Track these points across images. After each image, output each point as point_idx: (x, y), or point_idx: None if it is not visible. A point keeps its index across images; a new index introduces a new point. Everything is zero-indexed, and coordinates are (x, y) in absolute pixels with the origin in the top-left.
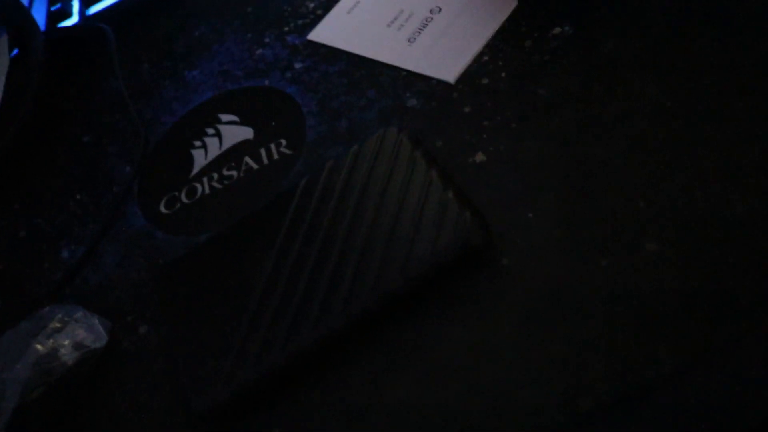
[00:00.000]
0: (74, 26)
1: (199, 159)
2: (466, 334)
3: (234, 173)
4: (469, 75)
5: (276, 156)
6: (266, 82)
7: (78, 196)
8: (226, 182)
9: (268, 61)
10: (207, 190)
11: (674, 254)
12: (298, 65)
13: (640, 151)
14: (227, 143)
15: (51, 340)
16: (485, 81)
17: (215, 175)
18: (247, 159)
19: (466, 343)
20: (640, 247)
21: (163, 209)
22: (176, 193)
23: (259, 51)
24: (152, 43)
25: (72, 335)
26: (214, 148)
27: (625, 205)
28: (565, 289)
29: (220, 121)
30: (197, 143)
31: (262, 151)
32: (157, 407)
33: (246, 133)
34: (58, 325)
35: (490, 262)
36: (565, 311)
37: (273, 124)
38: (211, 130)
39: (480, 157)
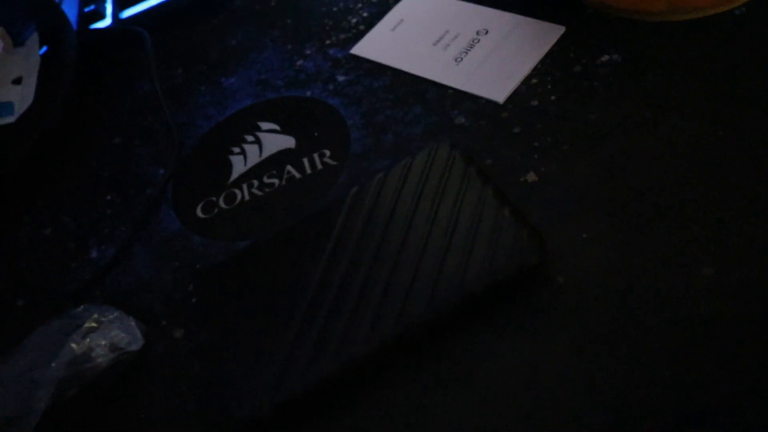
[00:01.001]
0: (109, 28)
1: (238, 165)
2: (520, 355)
3: (275, 181)
4: (518, 96)
5: (320, 166)
6: (308, 93)
7: (108, 197)
8: (267, 190)
9: (309, 72)
10: (247, 197)
11: (732, 278)
12: (341, 78)
13: (691, 178)
14: (268, 151)
15: (87, 340)
16: (534, 103)
17: (255, 182)
18: (289, 168)
19: (519, 365)
20: (697, 271)
21: (200, 214)
22: (214, 198)
23: (300, 62)
24: (186, 50)
25: (108, 336)
26: (254, 155)
27: (679, 230)
28: (621, 310)
29: (259, 129)
30: (236, 150)
31: (305, 161)
32: (191, 413)
33: (287, 142)
34: (93, 324)
35: (545, 280)
36: (621, 333)
37: (316, 134)
38: (250, 137)
39: (531, 176)
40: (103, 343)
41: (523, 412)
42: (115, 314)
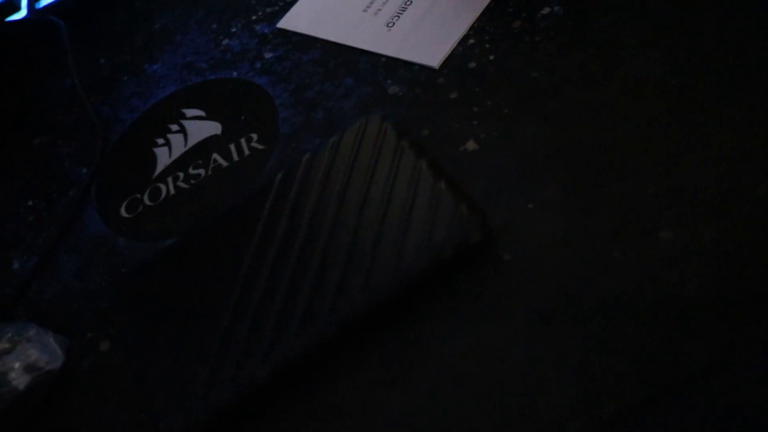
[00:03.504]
0: (24, 20)
1: (163, 158)
2: (469, 338)
3: (201, 171)
4: (454, 59)
5: (247, 152)
6: (234, 74)
7: (30, 202)
8: (193, 182)
9: (235, 51)
10: (172, 191)
11: (691, 242)
12: (268, 55)
13: (647, 133)
14: (193, 140)
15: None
16: (472, 65)
17: (181, 175)
18: (216, 156)
19: (469, 348)
20: (654, 235)
21: (124, 213)
22: (138, 195)
23: (226, 41)
24: (109, 37)
25: (23, 356)
26: (179, 145)
27: (634, 191)
28: (574, 284)
29: (184, 117)
30: (160, 141)
31: (232, 147)
32: (123, 428)
33: (213, 128)
34: (7, 345)
35: (490, 258)
36: (575, 309)
37: (243, 117)
38: (175, 127)
39: (471, 145)
40: (18, 365)
41: (475, 398)
42: (32, 332)
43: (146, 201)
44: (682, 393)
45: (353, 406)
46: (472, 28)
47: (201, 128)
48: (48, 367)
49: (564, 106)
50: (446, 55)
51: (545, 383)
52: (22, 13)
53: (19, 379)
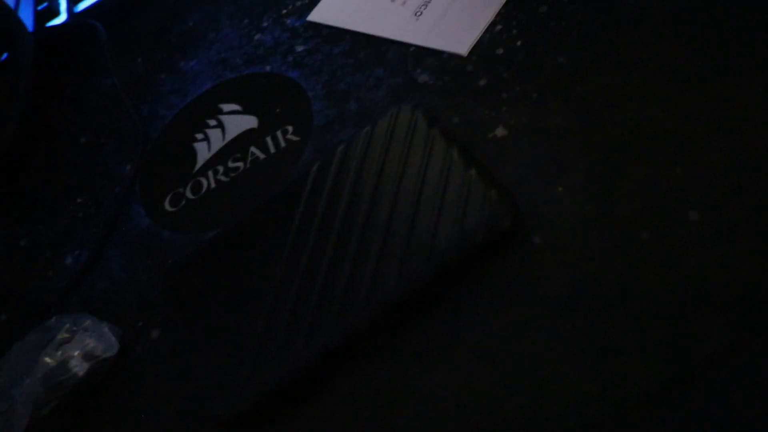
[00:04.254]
0: (63, 24)
1: (203, 152)
2: (501, 321)
3: (240, 165)
4: (482, 46)
5: (283, 144)
6: (267, 68)
7: (79, 200)
8: (232, 174)
9: (267, 46)
10: (213, 184)
11: (719, 223)
12: (299, 48)
13: (673, 116)
14: (231, 134)
15: (60, 352)
16: (500, 51)
17: (221, 168)
18: (253, 149)
19: (500, 331)
20: (683, 216)
21: (168, 207)
22: (181, 190)
23: (258, 36)
24: (145, 37)
25: (81, 345)
26: (217, 140)
27: (661, 174)
28: (603, 266)
29: (221, 112)
30: (199, 136)
31: (269, 140)
32: (173, 414)
33: (250, 122)
34: (66, 335)
35: (520, 242)
36: (604, 291)
37: (278, 110)
38: (212, 122)
39: (501, 131)
40: (77, 353)
41: (506, 379)
42: (88, 322)
43: (188, 195)
44: (705, 376)
45: (391, 387)
46: (498, 14)
47: (238, 122)
48: (104, 355)
49: (590, 91)
50: (474, 43)
51: (572, 365)
52: (62, 18)
53: (78, 367)
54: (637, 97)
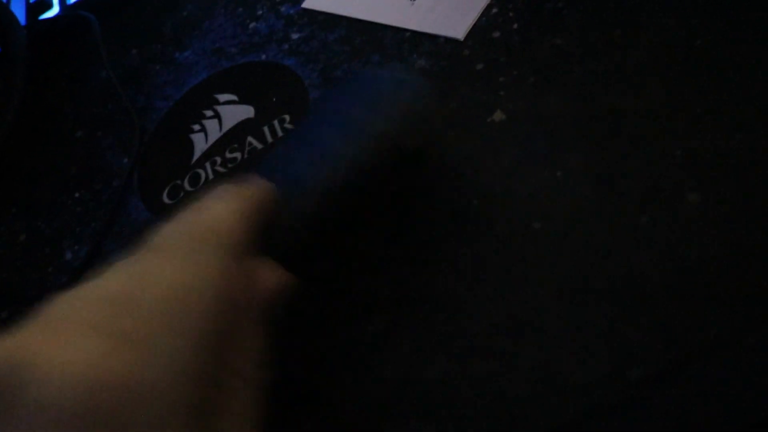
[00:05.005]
0: (56, 17)
1: (200, 143)
2: (499, 307)
3: (237, 155)
4: (478, 30)
5: (280, 133)
6: (263, 57)
7: (77, 194)
8: (230, 165)
9: (262, 34)
10: (211, 175)
11: (719, 204)
12: (294, 36)
13: (673, 97)
14: (228, 124)
15: None
16: (497, 35)
17: (218, 159)
18: (251, 139)
19: (499, 317)
20: (682, 199)
21: (166, 200)
22: (179, 182)
23: (253, 24)
24: (139, 28)
25: None
26: (214, 130)
27: (660, 157)
28: (604, 250)
29: (218, 102)
30: (196, 127)
31: (266, 129)
32: None
33: (246, 112)
34: None
35: (520, 226)
36: (606, 275)
37: (274, 100)
38: (209, 112)
39: (499, 115)
40: None
41: (508, 367)
42: None
43: (187, 187)
44: (707, 358)
45: (391, 378)
46: None
47: (234, 112)
48: None
49: (588, 73)
50: (470, 26)
51: (576, 349)
52: (54, 11)
53: None
54: (636, 78)
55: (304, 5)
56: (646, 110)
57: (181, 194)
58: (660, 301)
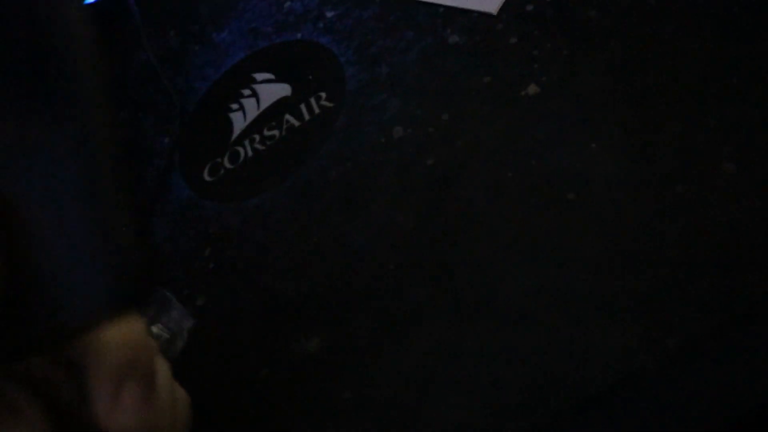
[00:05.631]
0: (96, 2)
1: (238, 122)
2: (537, 278)
3: (275, 132)
4: (512, 3)
5: (317, 110)
6: (299, 36)
7: None
8: (268, 143)
9: (297, 13)
10: (250, 153)
11: (755, 174)
12: (329, 14)
13: (708, 67)
14: (265, 103)
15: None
16: (530, 8)
17: (257, 137)
18: (288, 116)
19: (537, 287)
20: (717, 168)
21: (207, 177)
22: (219, 160)
23: (288, 4)
24: (176, 10)
25: (168, 318)
26: (252, 109)
27: (695, 127)
28: (638, 221)
29: (255, 81)
30: (234, 106)
31: (303, 107)
32: (224, 376)
33: (283, 90)
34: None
35: (555, 198)
36: (642, 245)
37: (310, 77)
38: (247, 91)
39: (533, 89)
40: (172, 325)
41: (546, 336)
42: (157, 294)
43: (227, 164)
44: (745, 326)
45: (431, 348)
46: None
47: (272, 91)
48: (188, 326)
49: (622, 44)
50: (504, 0)
51: (612, 319)
52: None
53: (179, 339)
54: (671, 48)
55: None
56: (681, 80)
57: (221, 171)
58: (696, 269)
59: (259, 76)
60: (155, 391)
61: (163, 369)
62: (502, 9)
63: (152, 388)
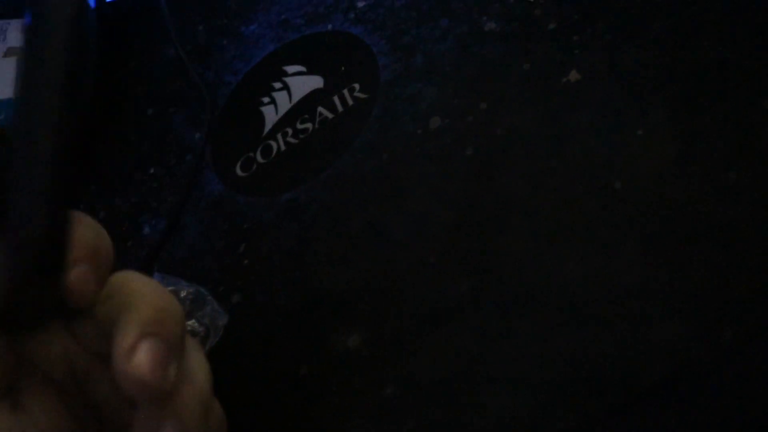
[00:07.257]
0: None
1: (270, 115)
2: (584, 269)
3: (308, 126)
4: None
5: (350, 102)
6: (329, 26)
7: (152, 170)
8: (301, 136)
9: (327, 3)
10: (283, 147)
11: None
12: (360, 3)
13: (760, 48)
14: (297, 95)
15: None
16: None
17: (289, 131)
18: (321, 109)
19: (584, 279)
20: None
21: (239, 172)
22: (251, 154)
23: None
24: (204, 4)
25: (204, 313)
26: (284, 102)
27: (746, 110)
28: (688, 209)
29: (286, 74)
30: (266, 99)
31: (335, 99)
32: (262, 375)
33: (315, 82)
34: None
35: (600, 187)
36: (690, 234)
37: (343, 69)
38: (278, 84)
39: (574, 75)
40: (207, 320)
41: (594, 329)
42: (191, 289)
43: (259, 159)
44: None
45: (474, 340)
46: None
47: (303, 83)
48: (221, 322)
49: (667, 26)
50: None
51: (665, 309)
52: None
53: (214, 335)
54: (717, 29)
55: None
56: (729, 62)
57: (254, 166)
58: (751, 258)
59: (290, 69)
60: (182, 360)
61: (197, 353)
62: None
63: (176, 354)
